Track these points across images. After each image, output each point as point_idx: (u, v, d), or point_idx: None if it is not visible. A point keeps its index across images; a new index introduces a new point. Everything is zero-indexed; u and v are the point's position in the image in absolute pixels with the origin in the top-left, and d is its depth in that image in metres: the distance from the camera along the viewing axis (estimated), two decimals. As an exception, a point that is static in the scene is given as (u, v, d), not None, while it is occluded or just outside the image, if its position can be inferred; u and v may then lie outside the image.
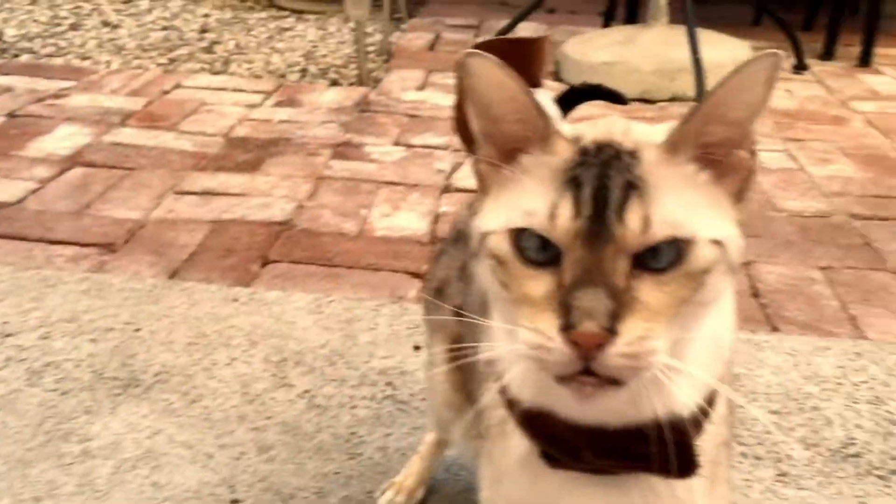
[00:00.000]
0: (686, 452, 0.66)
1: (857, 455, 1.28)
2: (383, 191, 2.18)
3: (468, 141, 0.70)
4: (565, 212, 0.58)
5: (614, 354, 0.56)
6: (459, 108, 0.83)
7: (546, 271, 0.59)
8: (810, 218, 2.07)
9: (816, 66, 3.33)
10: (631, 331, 0.56)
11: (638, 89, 2.90)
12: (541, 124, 0.63)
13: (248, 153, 2.40)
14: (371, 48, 3.54)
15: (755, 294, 1.73)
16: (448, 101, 2.88)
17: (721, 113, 0.62)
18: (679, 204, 0.59)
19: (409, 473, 1.20)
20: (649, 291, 0.57)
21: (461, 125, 0.83)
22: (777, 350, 1.54)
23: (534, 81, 0.81)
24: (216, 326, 1.58)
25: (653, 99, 2.89)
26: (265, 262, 1.83)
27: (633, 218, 0.57)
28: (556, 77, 3.14)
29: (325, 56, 3.46)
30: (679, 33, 2.84)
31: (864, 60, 3.34)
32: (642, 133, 0.64)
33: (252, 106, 2.79)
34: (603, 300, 0.56)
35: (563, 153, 0.62)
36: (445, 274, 0.99)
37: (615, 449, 0.66)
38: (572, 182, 0.59)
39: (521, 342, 0.58)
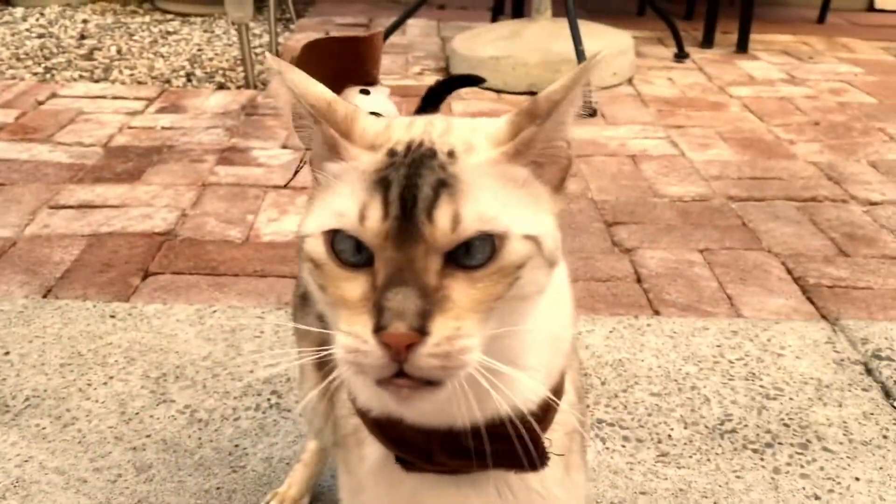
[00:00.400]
0: (533, 445, 0.66)
1: (733, 431, 1.33)
2: (271, 195, 2.14)
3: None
4: (374, 213, 0.57)
5: (425, 355, 0.55)
6: None
7: (361, 273, 0.58)
8: (690, 202, 2.13)
9: (697, 53, 3.43)
10: (441, 330, 0.55)
11: (525, 82, 2.93)
12: (343, 129, 0.62)
13: (128, 162, 2.33)
14: (258, 49, 3.47)
15: (638, 279, 1.77)
16: (337, 100, 2.85)
17: (560, 121, 0.62)
18: (493, 200, 0.59)
19: (293, 482, 1.18)
20: (461, 289, 0.57)
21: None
22: (658, 333, 1.58)
23: (368, 79, 0.81)
24: (92, 345, 1.52)
25: (540, 91, 2.92)
26: (146, 275, 1.77)
27: (441, 216, 0.56)
28: (447, 73, 3.15)
29: (211, 59, 3.38)
30: (563, 26, 2.88)
31: (742, 47, 3.47)
32: (464, 131, 0.63)
33: (133, 113, 2.70)
34: (413, 300, 0.55)
35: (371, 155, 0.61)
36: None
37: (465, 448, 0.66)
38: (381, 183, 0.58)
39: (338, 346, 0.57)
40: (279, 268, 1.80)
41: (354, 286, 0.58)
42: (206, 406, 1.37)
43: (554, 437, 0.69)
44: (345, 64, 0.79)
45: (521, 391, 0.63)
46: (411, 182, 0.57)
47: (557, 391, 0.68)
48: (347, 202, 0.58)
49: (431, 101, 1.19)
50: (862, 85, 3.06)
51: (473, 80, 1.12)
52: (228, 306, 1.65)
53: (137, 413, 1.35)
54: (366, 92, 0.80)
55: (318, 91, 0.63)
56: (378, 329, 0.55)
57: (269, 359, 1.48)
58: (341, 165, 0.61)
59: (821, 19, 4.04)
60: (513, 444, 0.64)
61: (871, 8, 4.35)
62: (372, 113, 0.77)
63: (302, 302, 0.98)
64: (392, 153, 0.60)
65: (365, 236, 0.57)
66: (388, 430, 0.67)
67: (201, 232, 1.95)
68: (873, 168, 2.34)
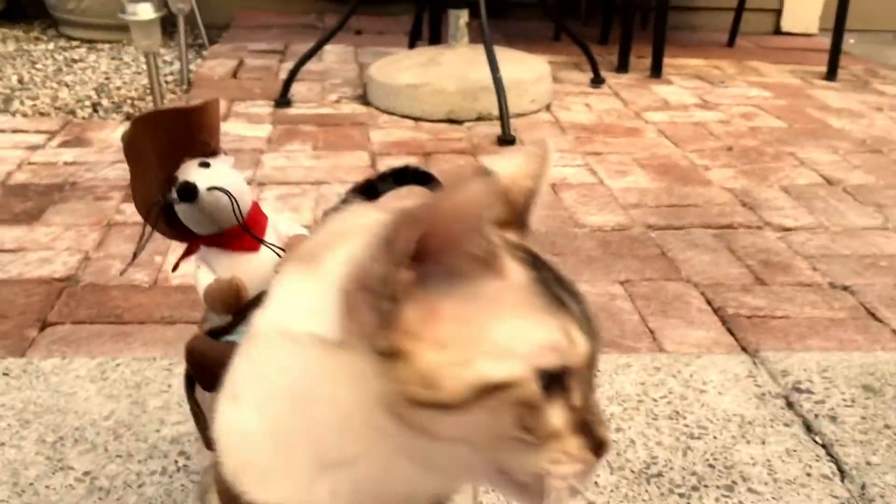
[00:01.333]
0: None
1: (659, 475, 1.30)
2: (180, 234, 2.05)
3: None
4: (580, 336, 0.56)
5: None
6: (137, 179, 0.75)
7: (556, 396, 0.56)
8: (610, 231, 2.13)
9: (612, 78, 3.47)
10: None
11: (443, 110, 2.91)
12: (489, 251, 0.56)
13: (27, 202, 2.20)
14: (169, 77, 3.37)
15: (560, 315, 1.74)
16: (252, 131, 2.78)
17: None
18: None
19: (201, 556, 1.11)
20: None
21: (141, 199, 0.76)
22: (582, 372, 1.55)
23: (207, 149, 0.76)
24: (-19, 408, 1.41)
25: (459, 119, 2.90)
26: (44, 326, 1.66)
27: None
28: (364, 101, 3.10)
29: (119, 88, 3.26)
30: (480, 53, 2.87)
31: (656, 71, 3.52)
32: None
33: (34, 148, 2.57)
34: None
35: (514, 271, 0.57)
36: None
37: None
38: (557, 301, 0.57)
39: (559, 478, 0.56)
40: (189, 313, 1.71)
41: (558, 413, 0.56)
42: (107, 472, 1.28)
43: None
44: (180, 136, 0.74)
45: None
46: (572, 291, 0.59)
47: None
48: (543, 332, 0.55)
49: (370, 192, 1.14)
50: (771, 109, 3.14)
51: (426, 178, 1.08)
52: (133, 358, 1.56)
53: (31, 483, 1.25)
54: (206, 164, 0.75)
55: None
56: (598, 445, 0.57)
57: (177, 415, 1.39)
58: (496, 284, 0.56)
59: (730, 43, 4.14)
60: None
61: (777, 31, 4.49)
62: (215, 188, 0.73)
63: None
64: (536, 265, 0.58)
65: (575, 361, 0.56)
66: None
67: (105, 276, 1.85)
68: (785, 193, 2.38)
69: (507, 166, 0.64)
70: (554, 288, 0.57)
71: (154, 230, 0.76)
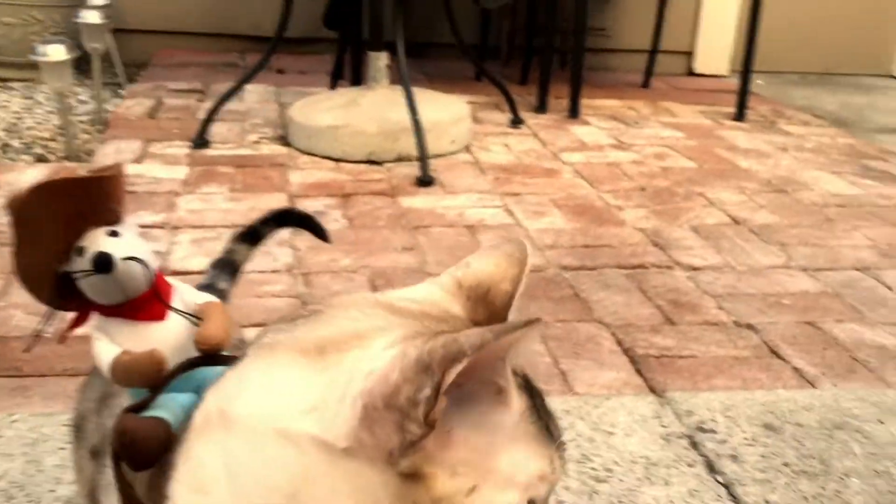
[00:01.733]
0: None
1: (564, 520, 1.32)
2: (88, 281, 1.99)
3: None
4: (559, 464, 0.59)
5: None
6: (26, 248, 0.72)
7: None
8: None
9: (531, 119, 3.53)
10: None
11: (364, 152, 2.92)
12: (508, 380, 0.57)
13: (-74, 249, 2.12)
14: (83, 118, 3.30)
15: (473, 359, 1.75)
16: (167, 172, 2.74)
17: None
18: None
19: None
20: None
21: (30, 270, 0.73)
22: (493, 416, 1.56)
23: (114, 217, 0.73)
24: None
25: (379, 160, 2.91)
26: (-63, 381, 1.59)
27: None
28: (285, 142, 3.09)
29: (30, 128, 3.18)
30: (400, 94, 2.89)
31: (573, 112, 3.60)
32: None
33: (-64, 191, 2.48)
34: None
35: (515, 399, 0.57)
36: (85, 406, 0.88)
37: None
38: (547, 429, 0.59)
39: None
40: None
41: None
42: (-4, 537, 1.23)
43: None
44: (86, 204, 0.71)
45: None
46: (552, 415, 0.61)
47: None
48: (537, 462, 0.57)
49: (252, 237, 1.12)
50: (683, 149, 3.24)
51: (319, 232, 1.08)
52: (31, 414, 1.50)
53: (-87, 552, 1.19)
54: (115, 234, 0.72)
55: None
56: None
57: (73, 473, 1.35)
58: (502, 411, 0.57)
59: (645, 84, 4.27)
60: None
61: (690, 72, 4.65)
62: (131, 258, 0.71)
63: (76, 431, 0.90)
64: (521, 385, 0.59)
65: (552, 486, 0.59)
66: None
67: (6, 327, 1.79)
68: (695, 233, 2.45)
69: (486, 266, 0.67)
70: (543, 415, 0.59)
71: (58, 306, 0.73)
